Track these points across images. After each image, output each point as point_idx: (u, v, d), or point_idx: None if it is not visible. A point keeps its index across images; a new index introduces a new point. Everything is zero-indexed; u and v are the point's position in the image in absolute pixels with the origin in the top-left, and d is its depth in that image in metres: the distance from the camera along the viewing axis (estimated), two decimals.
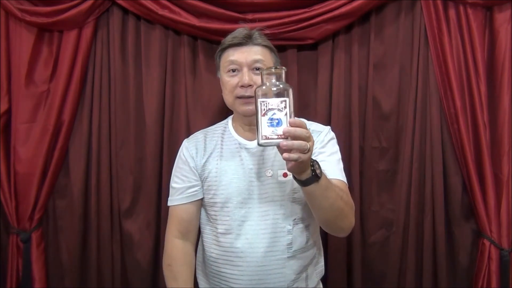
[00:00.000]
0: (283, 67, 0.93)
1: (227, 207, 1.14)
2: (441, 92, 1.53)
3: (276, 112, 0.86)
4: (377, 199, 1.61)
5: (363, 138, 1.60)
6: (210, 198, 1.17)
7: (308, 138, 0.85)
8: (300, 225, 1.14)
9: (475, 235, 1.58)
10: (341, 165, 1.16)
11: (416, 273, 1.59)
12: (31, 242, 1.63)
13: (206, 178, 1.18)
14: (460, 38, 1.51)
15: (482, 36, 1.51)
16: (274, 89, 0.89)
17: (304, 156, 0.85)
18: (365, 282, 1.62)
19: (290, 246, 1.12)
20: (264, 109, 0.86)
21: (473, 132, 1.52)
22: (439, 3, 1.49)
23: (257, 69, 1.13)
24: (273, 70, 0.93)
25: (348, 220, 1.06)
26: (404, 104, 1.58)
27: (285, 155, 0.85)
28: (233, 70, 1.15)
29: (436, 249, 1.57)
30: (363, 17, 1.55)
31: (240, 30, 1.17)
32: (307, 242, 1.15)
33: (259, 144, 0.88)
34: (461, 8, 1.49)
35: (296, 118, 0.87)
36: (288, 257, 1.11)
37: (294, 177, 0.94)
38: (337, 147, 1.19)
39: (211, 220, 1.18)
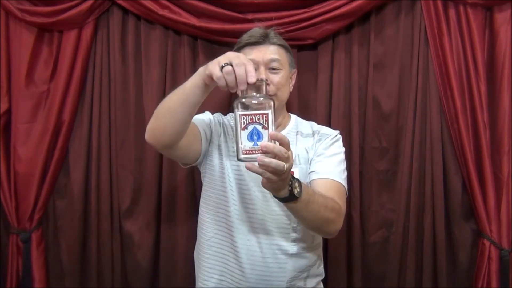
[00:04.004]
0: (263, 79, 0.87)
1: (230, 205, 1.14)
2: (441, 92, 1.53)
3: (257, 126, 0.82)
4: (377, 199, 1.61)
5: (363, 138, 1.60)
6: (211, 188, 1.17)
7: (286, 159, 0.80)
8: None
9: (475, 235, 1.58)
10: (342, 166, 1.15)
11: (416, 273, 1.59)
12: (31, 242, 1.63)
13: (212, 171, 1.17)
14: (460, 38, 1.51)
15: (482, 36, 1.51)
16: (255, 102, 0.85)
17: (275, 178, 0.81)
18: (365, 282, 1.62)
19: (295, 243, 1.12)
20: (244, 123, 0.82)
21: (473, 132, 1.52)
22: (439, 3, 1.49)
23: (273, 68, 1.13)
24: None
25: (334, 226, 1.03)
26: (404, 104, 1.57)
27: (260, 170, 0.81)
28: None
29: (436, 249, 1.57)
30: (363, 17, 1.55)
31: (257, 29, 1.18)
32: (313, 241, 1.16)
33: (238, 159, 0.84)
34: (461, 8, 1.49)
35: (278, 132, 0.83)
36: (292, 254, 1.12)
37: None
38: (341, 149, 1.19)
39: (214, 208, 1.17)
